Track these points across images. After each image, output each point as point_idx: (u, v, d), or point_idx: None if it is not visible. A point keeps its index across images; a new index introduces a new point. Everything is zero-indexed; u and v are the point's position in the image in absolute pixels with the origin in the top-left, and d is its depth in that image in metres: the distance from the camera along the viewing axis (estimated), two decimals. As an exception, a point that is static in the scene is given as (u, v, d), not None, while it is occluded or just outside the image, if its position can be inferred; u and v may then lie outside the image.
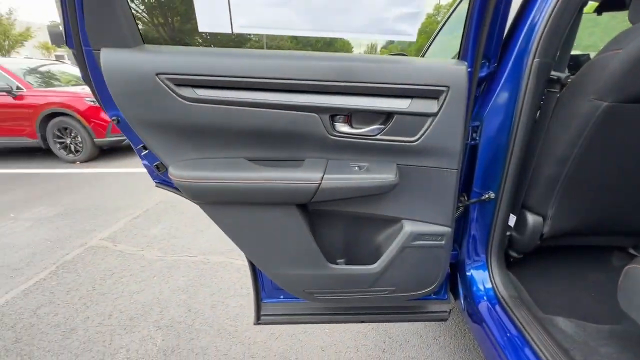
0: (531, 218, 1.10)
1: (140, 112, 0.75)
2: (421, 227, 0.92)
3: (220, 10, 0.73)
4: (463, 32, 0.82)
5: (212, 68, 0.73)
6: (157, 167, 0.88)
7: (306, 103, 0.77)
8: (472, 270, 1.12)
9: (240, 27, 0.76)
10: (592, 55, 2.44)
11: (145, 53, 0.73)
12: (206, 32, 0.78)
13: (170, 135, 0.79)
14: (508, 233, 1.16)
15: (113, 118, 0.82)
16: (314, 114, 0.78)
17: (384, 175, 0.81)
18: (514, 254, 1.22)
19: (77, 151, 4.64)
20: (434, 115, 0.79)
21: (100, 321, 1.65)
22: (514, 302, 0.99)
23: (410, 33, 0.79)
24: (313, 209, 0.93)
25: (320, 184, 0.78)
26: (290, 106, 0.77)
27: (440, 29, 2.28)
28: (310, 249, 0.91)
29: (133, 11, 0.74)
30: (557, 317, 0.97)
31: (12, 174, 4.12)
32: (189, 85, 0.74)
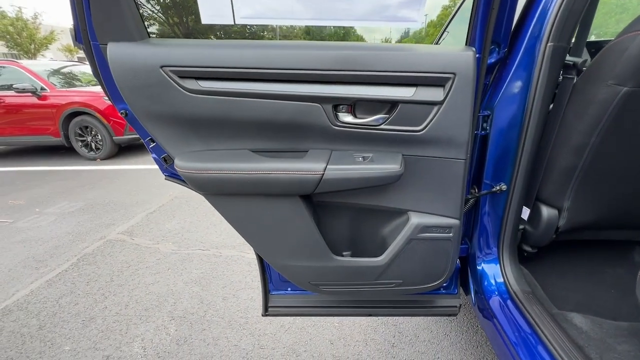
0: (546, 211, 1.06)
1: (146, 104, 0.76)
2: (428, 219, 0.90)
3: (222, 1, 0.74)
4: (471, 17, 0.79)
5: (214, 59, 0.73)
6: (165, 160, 0.90)
7: (309, 93, 0.77)
8: (483, 264, 1.09)
9: (242, 18, 0.76)
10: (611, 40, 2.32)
11: (150, 46, 0.74)
12: (220, 30, 0.78)
13: (175, 128, 0.81)
14: (521, 227, 1.12)
15: (121, 111, 0.84)
16: (316, 104, 0.78)
17: (388, 165, 0.79)
18: (527, 249, 1.18)
19: (97, 149, 4.81)
20: (440, 103, 0.77)
21: (118, 311, 1.71)
22: (527, 298, 0.96)
23: (415, 19, 0.77)
24: (317, 200, 0.92)
25: (323, 174, 0.78)
26: (293, 96, 0.77)
27: (452, 18, 2.22)
28: (315, 240, 0.91)
29: (149, 11, 0.75)
30: (571, 313, 0.93)
31: (37, 171, 4.32)
32: (192, 77, 0.75)
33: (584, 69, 0.92)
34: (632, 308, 0.80)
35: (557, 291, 1.07)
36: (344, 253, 1.01)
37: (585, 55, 1.81)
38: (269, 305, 1.17)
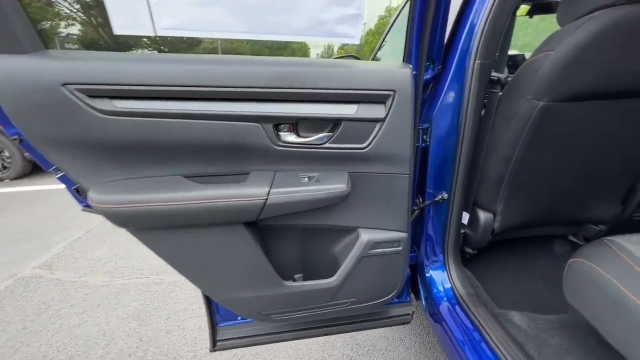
0: (483, 215, 1.13)
1: (45, 130, 0.63)
2: (377, 234, 0.90)
3: (137, 9, 0.64)
4: (406, 36, 0.80)
5: (132, 76, 0.64)
6: (78, 191, 0.77)
7: (247, 112, 0.71)
8: (431, 271, 1.12)
9: (163, 29, 0.67)
10: (527, 54, 2.63)
11: (48, 59, 0.61)
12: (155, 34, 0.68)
13: (85, 155, 0.68)
14: (462, 231, 1.18)
15: (13, 138, 0.69)
16: (255, 123, 0.72)
17: (335, 185, 0.76)
18: (469, 250, 1.25)
19: (5, 167, 4.10)
20: (382, 120, 0.76)
21: (33, 365, 1.44)
22: (472, 300, 1.01)
23: (352, 35, 0.76)
24: (263, 224, 0.86)
25: (267, 199, 0.72)
26: (229, 116, 0.70)
27: (390, 29, 2.32)
28: (263, 268, 0.85)
29: (68, 10, 0.62)
30: (511, 311, 0.99)
31: None
32: (106, 96, 0.64)
33: (506, 84, 1.00)
34: (559, 300, 0.87)
35: (496, 289, 1.14)
36: (296, 276, 0.96)
37: (505, 69, 2.01)
38: (217, 339, 1.07)
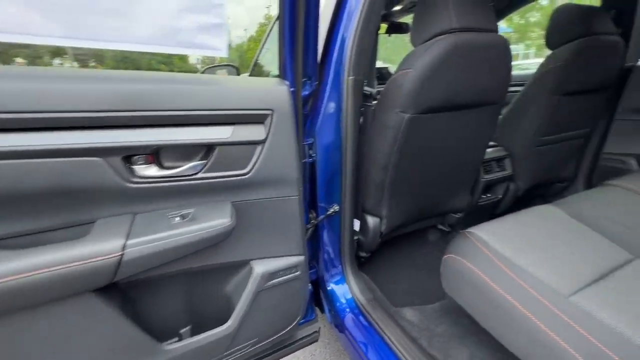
0: (371, 220, 1.19)
1: None
2: (273, 263, 0.82)
3: None
4: (279, 53, 0.75)
5: None
6: None
7: (80, 145, 0.53)
8: (332, 285, 1.12)
9: None
10: (389, 67, 3.01)
11: None
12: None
13: None
14: (355, 237, 1.23)
15: None
16: (95, 158, 0.54)
17: (216, 221, 0.65)
18: (363, 254, 1.31)
19: None
20: (263, 142, 0.69)
21: None
22: (371, 305, 1.04)
23: (219, 47, 0.66)
24: (126, 281, 0.67)
25: (122, 255, 0.55)
26: (54, 151, 0.51)
27: (268, 35, 2.29)
28: (129, 337, 0.66)
29: None
30: (404, 308, 1.07)
31: None
32: None
33: (377, 97, 1.08)
34: (437, 287, 0.97)
35: (390, 286, 1.23)
36: (182, 331, 0.80)
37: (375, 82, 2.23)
38: None
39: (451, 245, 0.88)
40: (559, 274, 0.73)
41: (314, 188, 1.03)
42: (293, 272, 0.86)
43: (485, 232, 0.85)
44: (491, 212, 1.63)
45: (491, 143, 1.52)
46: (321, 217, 1.04)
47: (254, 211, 0.75)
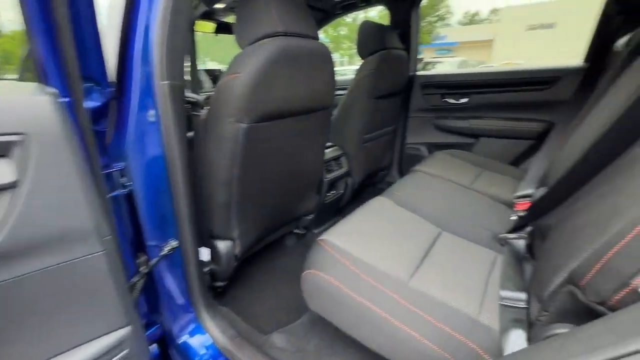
0: (222, 245, 1.04)
1: None
2: (87, 351, 0.56)
3: None
4: (28, 42, 0.49)
5: None
6: None
7: None
8: (184, 337, 0.91)
9: None
10: (223, 68, 2.84)
11: None
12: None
13: None
14: (207, 269, 1.05)
15: None
16: None
17: None
18: (219, 284, 1.14)
19: None
20: (13, 186, 0.43)
21: None
22: (236, 344, 0.90)
23: None
24: None
25: None
26: None
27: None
28: None
29: None
30: (272, 335, 0.99)
31: None
32: None
33: (206, 104, 0.92)
34: (302, 296, 0.92)
35: (254, 310, 1.12)
36: None
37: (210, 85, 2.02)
38: None
39: (308, 258, 0.85)
40: (398, 261, 0.80)
41: (137, 226, 0.79)
42: (122, 350, 0.62)
43: (336, 236, 0.86)
44: (336, 207, 1.77)
45: (328, 144, 1.63)
46: (154, 260, 0.81)
47: (23, 294, 0.47)
